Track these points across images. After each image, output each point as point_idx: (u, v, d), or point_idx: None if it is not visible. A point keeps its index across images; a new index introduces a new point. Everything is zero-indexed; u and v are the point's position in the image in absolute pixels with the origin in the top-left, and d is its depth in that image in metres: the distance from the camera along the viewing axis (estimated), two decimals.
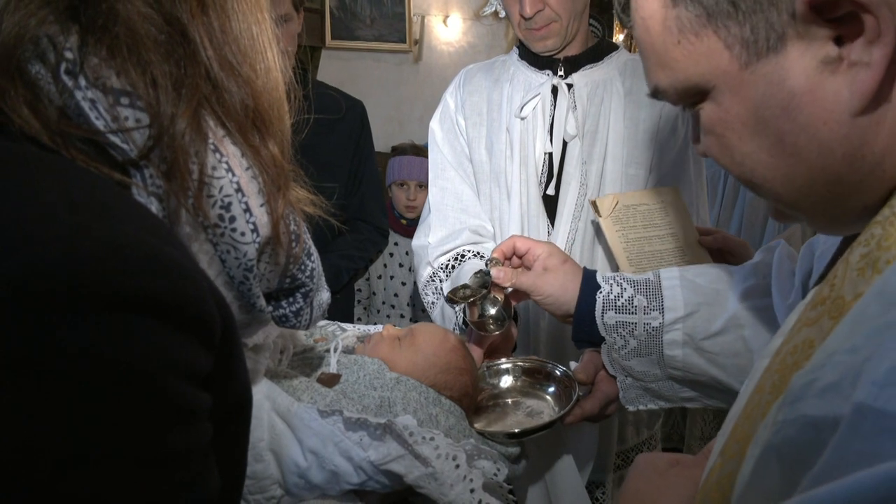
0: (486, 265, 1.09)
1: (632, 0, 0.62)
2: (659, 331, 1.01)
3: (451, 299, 1.09)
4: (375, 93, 3.76)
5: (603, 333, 1.03)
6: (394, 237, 2.60)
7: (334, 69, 3.91)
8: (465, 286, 1.08)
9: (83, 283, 0.39)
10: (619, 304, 1.03)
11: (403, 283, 2.60)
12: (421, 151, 2.75)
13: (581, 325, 1.05)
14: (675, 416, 2.44)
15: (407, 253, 2.57)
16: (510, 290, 1.10)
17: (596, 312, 1.03)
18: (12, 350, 0.38)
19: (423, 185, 2.65)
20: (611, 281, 1.05)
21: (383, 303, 2.62)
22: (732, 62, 0.55)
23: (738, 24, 0.53)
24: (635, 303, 1.02)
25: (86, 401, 0.40)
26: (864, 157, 0.52)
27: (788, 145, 0.55)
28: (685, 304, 1.00)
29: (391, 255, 2.61)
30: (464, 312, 1.20)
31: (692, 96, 0.60)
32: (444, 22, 4.10)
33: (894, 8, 0.47)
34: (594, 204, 1.32)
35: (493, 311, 1.08)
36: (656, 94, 0.64)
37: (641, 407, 1.07)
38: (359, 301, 2.69)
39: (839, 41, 0.50)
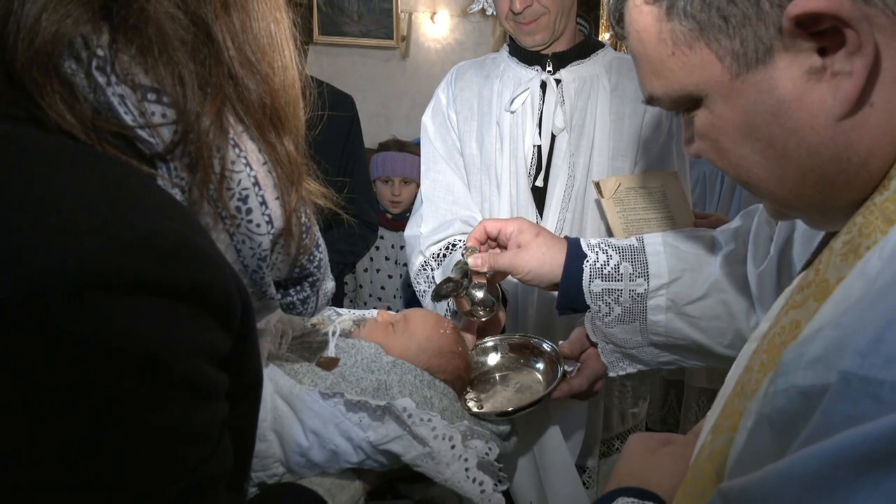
0: (462, 255, 1.10)
1: (626, 13, 0.65)
2: (644, 297, 1.03)
3: (438, 295, 1.10)
4: (362, 89, 3.76)
5: (588, 302, 1.05)
6: (380, 231, 2.63)
7: (321, 65, 3.91)
8: (447, 280, 1.09)
9: (122, 271, 0.42)
10: (605, 272, 1.04)
11: (390, 276, 2.63)
12: (405, 147, 2.77)
13: (567, 294, 1.06)
14: (670, 401, 2.48)
15: (393, 246, 2.59)
16: (490, 273, 1.11)
17: (583, 281, 1.04)
18: (54, 335, 0.40)
19: (408, 181, 2.68)
20: (596, 249, 1.06)
21: (370, 295, 2.65)
22: (724, 72, 0.58)
23: (728, 38, 0.57)
24: (621, 270, 1.04)
25: (116, 379, 0.42)
26: (849, 159, 0.55)
27: (779, 148, 0.58)
28: (669, 271, 1.02)
29: (377, 248, 2.63)
30: (453, 306, 1.22)
31: (686, 103, 0.64)
32: (432, 19, 4.12)
33: (873, 21, 0.51)
34: (597, 185, 1.36)
35: (480, 296, 1.09)
36: (651, 101, 0.67)
37: (622, 372, 1.09)
38: (345, 294, 2.71)
39: (823, 52, 0.54)
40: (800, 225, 0.86)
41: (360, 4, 3.96)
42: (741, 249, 1.02)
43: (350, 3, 3.95)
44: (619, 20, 0.67)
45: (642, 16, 0.62)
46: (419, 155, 1.62)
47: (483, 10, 4.00)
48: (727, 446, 0.55)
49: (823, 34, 0.53)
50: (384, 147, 2.79)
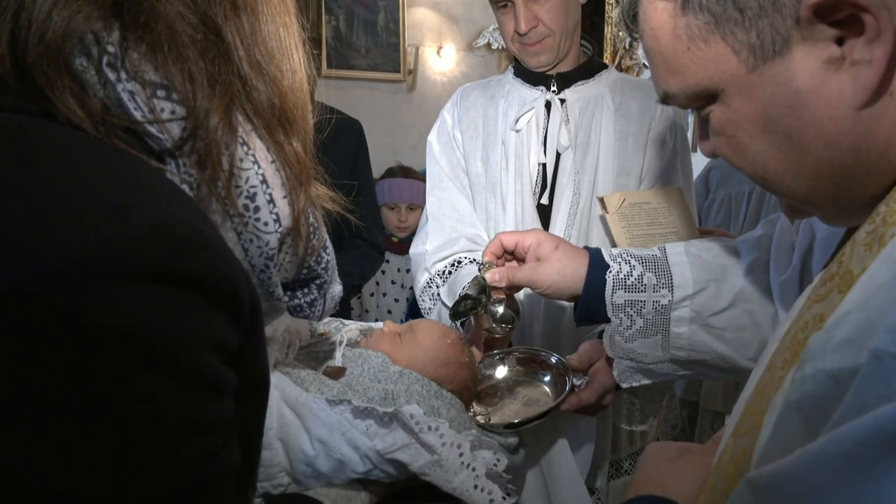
0: (480, 270, 1.08)
1: (640, 11, 0.65)
2: (667, 309, 1.00)
3: (457, 313, 1.06)
4: (370, 121, 3.80)
5: (610, 314, 1.01)
6: (386, 255, 2.63)
7: (330, 97, 3.97)
8: (465, 297, 1.06)
9: (131, 258, 0.42)
10: (629, 282, 1.01)
11: (396, 300, 2.62)
12: (410, 174, 2.80)
13: (587, 305, 1.03)
14: (682, 420, 2.42)
15: (399, 270, 2.60)
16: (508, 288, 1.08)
17: (606, 292, 1.01)
18: (64, 321, 0.40)
19: (413, 207, 2.70)
20: (619, 259, 1.03)
21: (376, 319, 2.64)
22: (740, 66, 0.58)
23: (744, 30, 0.56)
24: (645, 281, 1.01)
25: (121, 370, 0.42)
26: (868, 149, 0.55)
27: (796, 141, 0.57)
28: (694, 282, 0.99)
29: (383, 272, 2.63)
30: (465, 323, 1.20)
31: (701, 100, 0.63)
32: (438, 53, 4.21)
33: (892, 8, 0.51)
34: (602, 200, 1.36)
35: (500, 311, 1.07)
36: (666, 99, 0.66)
37: (635, 383, 1.06)
38: (351, 319, 2.70)
39: (840, 41, 0.53)
40: (819, 233, 0.85)
41: (368, 39, 4.06)
42: (764, 258, 1.01)
43: (358, 37, 4.05)
44: (633, 19, 0.67)
45: (657, 12, 0.62)
46: (424, 181, 1.63)
47: (489, 44, 4.10)
48: (751, 445, 0.53)
49: (841, 23, 0.52)
50: (390, 173, 2.81)
